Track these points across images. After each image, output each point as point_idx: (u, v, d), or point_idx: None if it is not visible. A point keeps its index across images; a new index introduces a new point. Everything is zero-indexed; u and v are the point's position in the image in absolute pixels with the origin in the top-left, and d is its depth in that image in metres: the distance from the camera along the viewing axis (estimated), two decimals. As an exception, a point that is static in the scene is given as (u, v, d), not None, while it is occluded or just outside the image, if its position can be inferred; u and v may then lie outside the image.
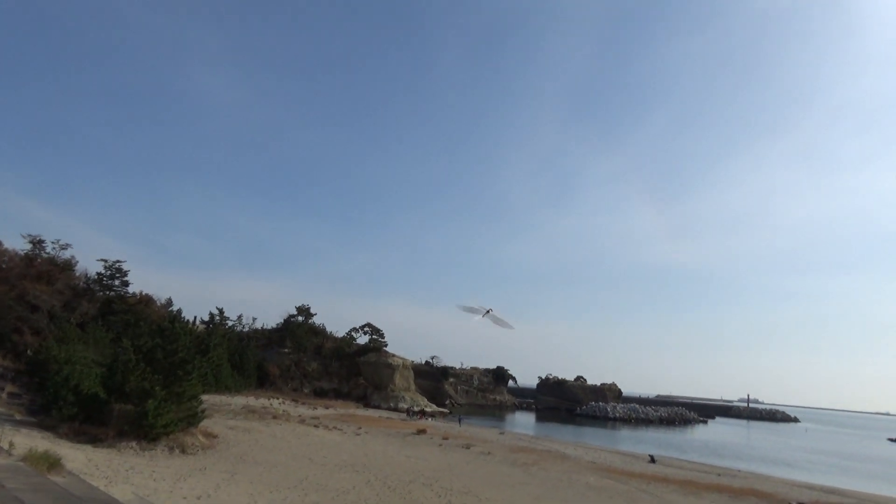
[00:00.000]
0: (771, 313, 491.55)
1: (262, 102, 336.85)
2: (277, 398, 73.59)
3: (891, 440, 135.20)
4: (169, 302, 79.34)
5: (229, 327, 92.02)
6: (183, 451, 28.24)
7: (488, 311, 45.21)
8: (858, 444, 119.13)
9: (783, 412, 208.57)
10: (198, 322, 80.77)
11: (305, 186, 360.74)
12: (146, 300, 73.83)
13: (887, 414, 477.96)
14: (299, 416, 56.28)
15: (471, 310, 46.71)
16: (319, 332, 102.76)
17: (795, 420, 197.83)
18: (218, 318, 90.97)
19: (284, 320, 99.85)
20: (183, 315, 38.65)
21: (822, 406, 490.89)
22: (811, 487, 43.42)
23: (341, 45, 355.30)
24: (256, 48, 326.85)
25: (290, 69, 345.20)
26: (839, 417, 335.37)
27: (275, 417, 50.80)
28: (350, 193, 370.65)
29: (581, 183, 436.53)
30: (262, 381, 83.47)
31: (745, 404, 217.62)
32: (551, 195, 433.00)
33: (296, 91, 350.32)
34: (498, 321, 47.60)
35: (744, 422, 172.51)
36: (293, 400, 74.77)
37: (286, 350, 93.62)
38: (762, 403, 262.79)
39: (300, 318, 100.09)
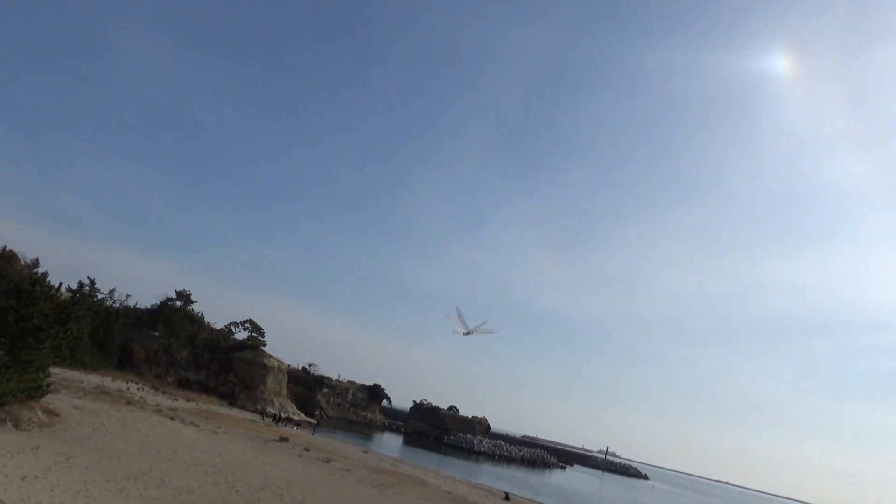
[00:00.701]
0: (635, 371, 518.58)
1: (183, 75, 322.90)
2: (137, 383, 69.18)
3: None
4: (35, 263, 73.43)
5: (98, 300, 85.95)
6: (16, 426, 25.93)
7: (469, 332, 47.06)
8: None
9: (635, 468, 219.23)
10: (63, 289, 74.98)
11: (214, 169, 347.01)
12: (9, 256, 67.99)
13: (727, 483, 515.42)
14: (157, 405, 53.23)
15: (460, 325, 48.08)
16: (196, 320, 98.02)
17: (645, 477, 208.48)
18: (87, 288, 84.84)
19: (161, 302, 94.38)
20: (48, 279, 35.89)
21: (671, 467, 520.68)
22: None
23: (276, 31, 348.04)
24: (187, 20, 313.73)
25: (221, 47, 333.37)
26: (684, 480, 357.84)
27: (129, 403, 47.77)
28: (259, 186, 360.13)
29: (490, 219, 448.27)
30: (123, 363, 78.28)
31: (603, 456, 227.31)
32: (460, 225, 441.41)
33: (222, 71, 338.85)
34: (483, 331, 49.25)
35: (599, 472, 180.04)
36: (154, 387, 70.58)
37: (157, 334, 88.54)
38: (619, 457, 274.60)
39: (178, 303, 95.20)
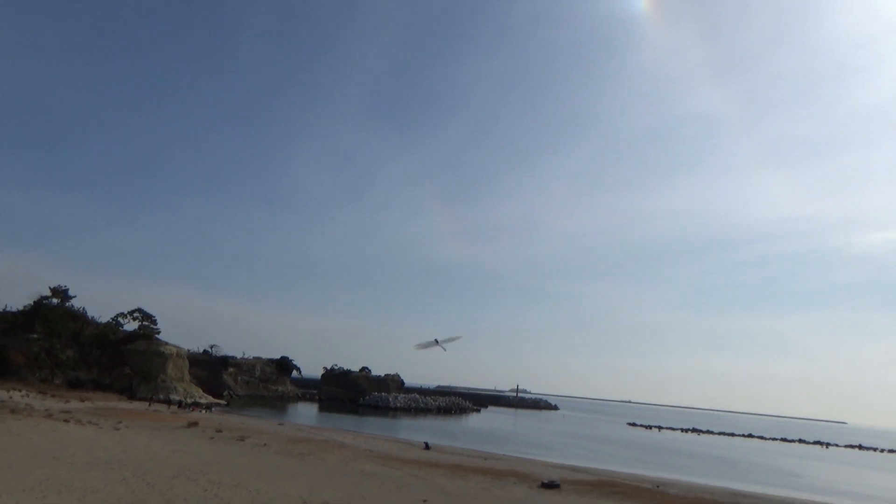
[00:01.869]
0: (536, 311, 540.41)
1: (20, 50, 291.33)
2: (20, 390, 64.25)
3: (629, 424, 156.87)
4: None
5: (-41, 308, 78.27)
6: None
7: (436, 342, 50.27)
8: (604, 428, 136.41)
9: (546, 401, 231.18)
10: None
11: (66, 148, 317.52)
12: None
13: (629, 402, 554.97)
14: (46, 409, 49.71)
15: (425, 346, 51.01)
16: (79, 316, 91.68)
17: (556, 408, 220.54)
18: (-54, 296, 76.94)
19: (34, 302, 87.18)
20: None
21: (579, 395, 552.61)
22: (562, 467, 48.55)
23: (134, 10, 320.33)
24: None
25: (60, 17, 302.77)
26: (592, 405, 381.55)
27: (13, 412, 44.34)
28: (121, 165, 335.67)
29: (376, 180, 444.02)
30: (1, 371, 72.26)
31: (515, 394, 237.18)
32: (345, 189, 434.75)
33: (62, 43, 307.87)
34: (449, 340, 52.18)
35: (512, 410, 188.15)
36: (40, 392, 65.85)
37: (35, 336, 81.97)
38: (529, 393, 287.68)
39: (55, 301, 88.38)
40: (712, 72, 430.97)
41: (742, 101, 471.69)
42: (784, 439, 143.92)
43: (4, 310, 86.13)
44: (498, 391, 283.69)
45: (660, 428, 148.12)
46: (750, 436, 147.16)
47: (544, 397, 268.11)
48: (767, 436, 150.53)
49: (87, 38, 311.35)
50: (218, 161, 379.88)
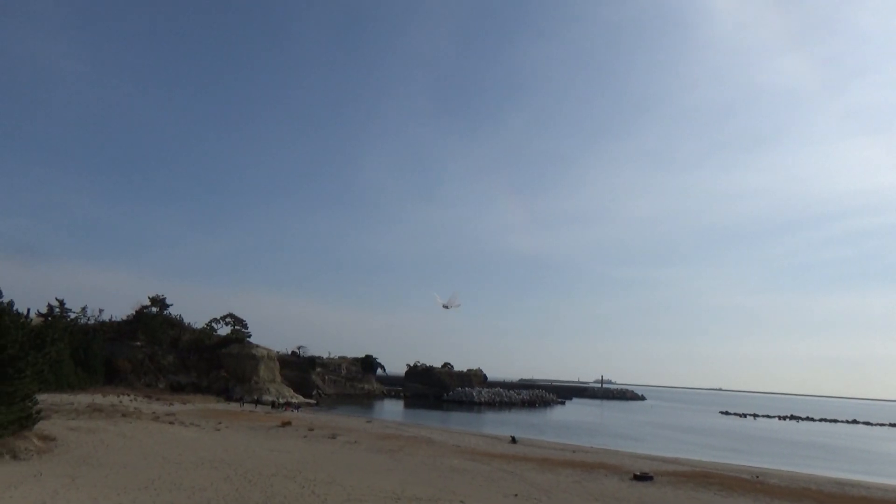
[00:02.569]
0: (618, 300, 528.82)
1: (109, 79, 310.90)
2: (129, 395, 68.74)
3: (721, 413, 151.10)
4: (-2, 293, 71.24)
5: (71, 320, 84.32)
6: (14, 457, 25.56)
7: (447, 307, 59.74)
8: (695, 417, 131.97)
9: (632, 391, 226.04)
10: (33, 315, 73.27)
11: (156, 169, 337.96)
12: (-30, 291, 65.78)
13: (720, 390, 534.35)
14: (153, 412, 52.89)
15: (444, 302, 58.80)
16: (176, 323, 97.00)
17: (642, 398, 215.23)
18: (58, 309, 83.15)
19: (136, 312, 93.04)
20: (14, 307, 34.90)
21: (666, 384, 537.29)
22: (653, 458, 47.36)
23: (195, 19, 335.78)
24: (104, 21, 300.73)
25: (141, 42, 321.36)
26: (680, 394, 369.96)
27: (124, 416, 47.40)
28: (205, 177, 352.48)
29: (445, 175, 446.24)
30: (110, 378, 77.46)
31: (599, 385, 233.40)
32: (416, 187, 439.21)
33: (146, 67, 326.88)
34: (455, 305, 59.71)
35: (598, 401, 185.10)
36: (146, 396, 70.14)
37: (138, 343, 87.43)
38: (614, 384, 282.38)
39: (154, 309, 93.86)
40: (790, 39, 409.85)
41: (824, 68, 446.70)
42: (893, 424, 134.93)
43: (110, 319, 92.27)
44: (581, 382, 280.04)
45: (755, 416, 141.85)
46: (854, 422, 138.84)
47: (630, 387, 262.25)
48: (874, 421, 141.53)
49: (168, 60, 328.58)
50: (293, 168, 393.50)
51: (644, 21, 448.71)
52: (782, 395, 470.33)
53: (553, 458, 40.82)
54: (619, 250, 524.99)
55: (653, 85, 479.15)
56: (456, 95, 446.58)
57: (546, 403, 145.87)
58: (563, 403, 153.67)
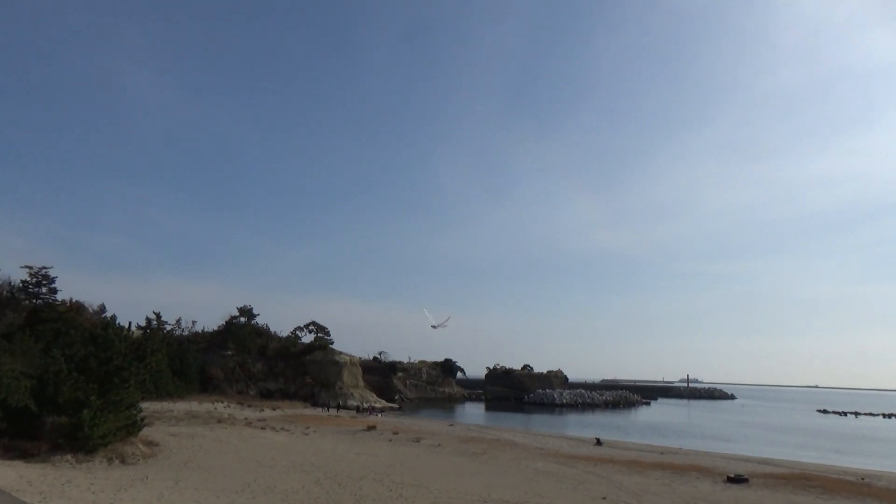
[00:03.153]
0: (702, 295, 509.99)
1: (190, 99, 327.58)
2: (222, 402, 71.94)
3: (819, 411, 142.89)
4: (102, 308, 76.45)
5: (167, 331, 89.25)
6: (122, 462, 27.25)
7: (435, 326, 62.94)
8: (791, 416, 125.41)
9: (721, 390, 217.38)
10: (133, 327, 78.03)
11: (241, 186, 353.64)
12: (77, 307, 70.82)
13: (816, 387, 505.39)
14: (245, 418, 55.13)
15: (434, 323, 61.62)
16: (263, 332, 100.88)
17: (732, 397, 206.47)
18: (155, 322, 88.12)
19: (226, 322, 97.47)
20: (117, 321, 37.23)
21: (757, 382, 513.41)
22: (747, 460, 45.40)
23: (270, 42, 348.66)
24: (182, 44, 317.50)
25: (219, 66, 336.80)
26: (773, 392, 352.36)
27: (219, 421, 49.63)
28: (282, 190, 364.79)
29: (518, 176, 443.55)
30: (205, 386, 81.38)
31: (685, 384, 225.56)
32: (490, 189, 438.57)
33: (226, 88, 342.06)
34: (441, 324, 61.97)
35: (684, 401, 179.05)
36: (238, 403, 73.21)
37: (229, 352, 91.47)
38: (701, 383, 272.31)
39: (242, 320, 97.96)
40: (881, 12, 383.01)
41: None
42: None
43: (202, 330, 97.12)
44: (667, 382, 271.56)
45: (857, 414, 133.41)
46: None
47: (718, 386, 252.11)
48: None
49: (247, 79, 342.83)
50: (367, 177, 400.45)
51: (720, 4, 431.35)
52: (886, 392, 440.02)
53: (641, 461, 39.78)
54: (702, 244, 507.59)
55: (732, 70, 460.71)
56: (526, 94, 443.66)
57: (630, 404, 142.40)
58: (647, 404, 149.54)
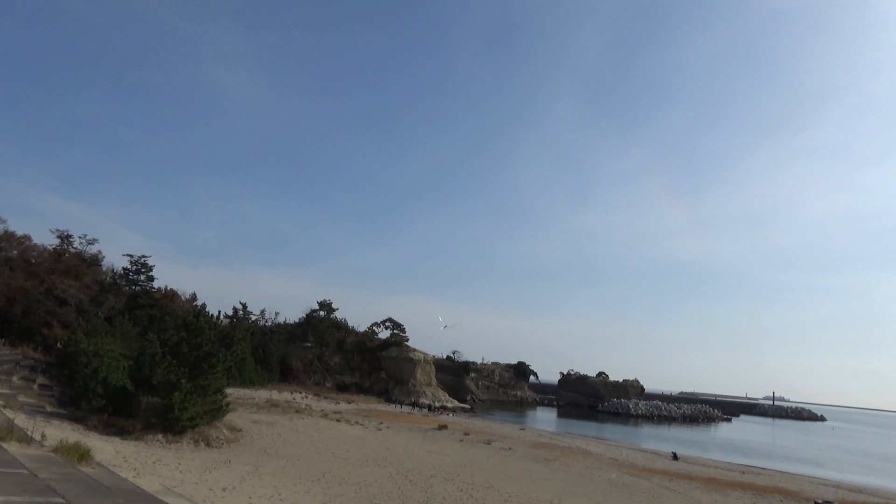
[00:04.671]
0: (796, 311, 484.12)
1: (281, 100, 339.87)
2: (300, 392, 74.27)
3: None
4: (193, 297, 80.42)
5: (252, 322, 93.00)
6: (208, 445, 28.65)
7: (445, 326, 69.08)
8: (887, 442, 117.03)
9: (809, 410, 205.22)
10: (222, 316, 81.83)
11: (325, 183, 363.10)
12: (171, 295, 74.90)
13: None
14: (321, 410, 56.76)
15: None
16: (341, 326, 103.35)
17: (822, 419, 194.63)
18: (241, 312, 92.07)
19: (306, 315, 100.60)
20: (207, 310, 39.13)
21: (849, 404, 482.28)
22: (837, 486, 42.81)
23: (358, 44, 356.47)
24: (275, 48, 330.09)
25: (309, 68, 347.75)
26: (867, 416, 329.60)
27: (297, 411, 51.32)
28: (364, 188, 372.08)
29: (600, 180, 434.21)
30: (284, 376, 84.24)
31: (771, 402, 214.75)
32: (570, 192, 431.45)
33: (315, 89, 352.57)
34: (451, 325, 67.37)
35: (769, 420, 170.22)
36: (315, 394, 75.37)
37: (308, 344, 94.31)
38: (788, 401, 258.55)
39: (322, 313, 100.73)
40: None
41: None
42: None
43: (284, 322, 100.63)
44: (750, 399, 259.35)
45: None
46: None
47: (806, 406, 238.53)
48: None
49: (330, 78, 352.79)
50: (447, 177, 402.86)
51: (819, 4, 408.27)
52: None
53: (720, 479, 38.26)
54: (791, 255, 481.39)
55: (830, 73, 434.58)
56: (608, 96, 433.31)
57: (710, 419, 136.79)
58: (728, 420, 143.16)
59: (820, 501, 31.21)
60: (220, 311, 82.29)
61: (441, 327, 62.12)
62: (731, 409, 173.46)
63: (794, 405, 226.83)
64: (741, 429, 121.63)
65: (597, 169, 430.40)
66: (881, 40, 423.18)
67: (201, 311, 35.34)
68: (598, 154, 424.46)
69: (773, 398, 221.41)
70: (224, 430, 31.73)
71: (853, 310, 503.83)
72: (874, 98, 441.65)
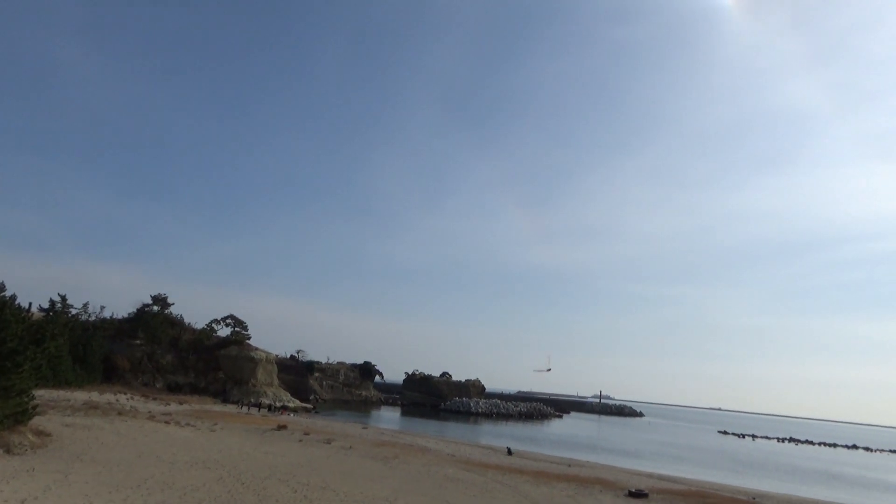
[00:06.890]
0: (621, 316, 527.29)
1: (122, 78, 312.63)
2: (125, 393, 68.65)
3: (720, 432, 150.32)
4: (1, 286, 71.38)
5: (73, 316, 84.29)
6: (8, 451, 25.49)
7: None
8: (694, 436, 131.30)
9: (630, 407, 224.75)
10: (34, 309, 73.33)
11: (168, 171, 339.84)
12: (-28, 284, 65.89)
13: (719, 409, 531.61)
14: (149, 412, 52.83)
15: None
16: (176, 323, 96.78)
17: (641, 415, 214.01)
18: (59, 305, 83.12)
19: (138, 310, 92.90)
20: (17, 301, 35.01)
21: (665, 402, 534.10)
22: (650, 475, 47.13)
23: (210, 24, 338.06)
24: (120, 22, 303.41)
25: (156, 46, 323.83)
26: (679, 412, 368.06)
27: (120, 414, 47.31)
28: (212, 178, 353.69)
29: (458, 186, 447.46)
30: (108, 376, 77.35)
31: (598, 400, 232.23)
32: (429, 197, 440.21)
33: (162, 69, 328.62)
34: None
35: (595, 416, 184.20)
36: (143, 395, 70.03)
37: (138, 342, 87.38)
38: (613, 399, 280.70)
39: (155, 308, 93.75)
40: (803, 62, 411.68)
41: (837, 92, 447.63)
42: (893, 451, 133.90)
43: (111, 317, 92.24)
44: (580, 397, 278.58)
45: (753, 437, 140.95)
46: (854, 447, 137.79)
47: (628, 403, 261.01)
48: (874, 447, 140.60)
49: (179, 61, 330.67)
50: (302, 174, 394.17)
51: (656, 41, 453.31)
52: (782, 418, 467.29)
53: (548, 472, 40.64)
54: (628, 267, 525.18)
55: (664, 104, 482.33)
56: (468, 109, 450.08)
57: (544, 416, 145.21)
58: (560, 417, 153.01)
59: (633, 490, 34.10)
60: (31, 304, 73.64)
61: (545, 370, 58.29)
62: (563, 406, 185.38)
63: (618, 403, 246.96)
64: (571, 424, 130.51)
65: (452, 175, 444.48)
66: (708, 78, 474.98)
67: (7, 303, 31.48)
68: (454, 162, 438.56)
69: (600, 396, 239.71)
70: (29, 435, 28.40)
71: (677, 317, 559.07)
72: (699, 132, 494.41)
